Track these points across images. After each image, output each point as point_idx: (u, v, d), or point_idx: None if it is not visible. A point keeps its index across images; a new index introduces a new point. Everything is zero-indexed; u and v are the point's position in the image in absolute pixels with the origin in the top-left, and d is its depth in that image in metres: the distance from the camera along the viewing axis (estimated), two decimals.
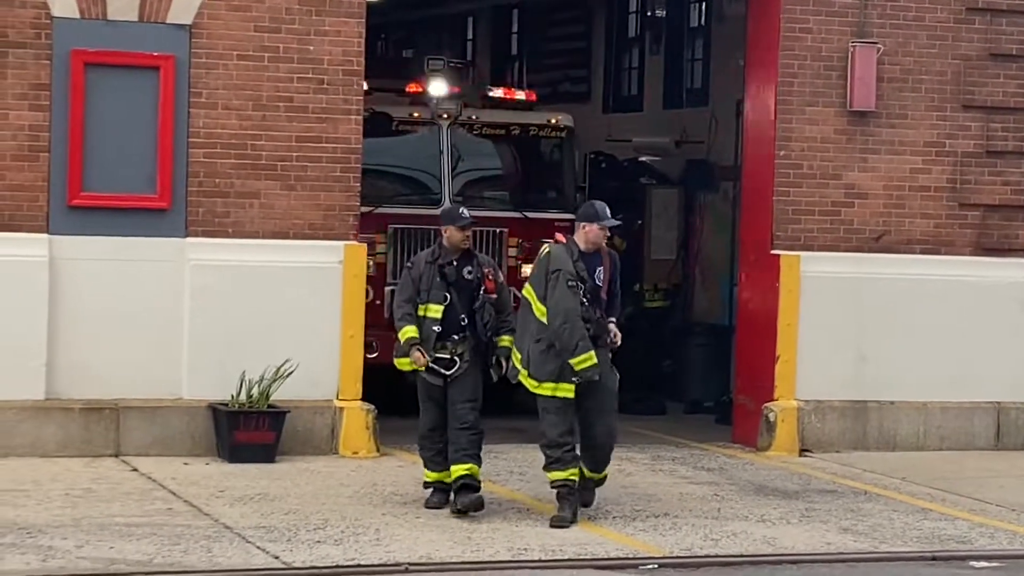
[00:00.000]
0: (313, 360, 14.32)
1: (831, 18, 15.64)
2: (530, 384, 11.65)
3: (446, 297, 12.04)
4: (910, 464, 14.92)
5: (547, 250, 11.87)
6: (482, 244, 16.23)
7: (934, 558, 11.19)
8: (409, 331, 11.98)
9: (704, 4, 20.56)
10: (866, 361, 15.57)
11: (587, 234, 11.76)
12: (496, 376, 12.22)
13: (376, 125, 16.05)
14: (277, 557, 10.41)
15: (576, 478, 11.64)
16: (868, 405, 15.61)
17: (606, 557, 10.78)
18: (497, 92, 18.15)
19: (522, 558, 10.66)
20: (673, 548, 11.15)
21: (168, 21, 14.08)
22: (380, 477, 13.37)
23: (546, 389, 11.58)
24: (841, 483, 13.92)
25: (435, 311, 12.02)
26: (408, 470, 13.60)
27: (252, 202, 14.34)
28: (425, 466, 12.31)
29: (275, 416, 13.99)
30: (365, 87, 15.63)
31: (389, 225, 16.65)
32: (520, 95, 18.20)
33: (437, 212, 14.82)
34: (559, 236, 12.76)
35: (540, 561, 10.60)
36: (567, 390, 11.58)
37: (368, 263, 15.13)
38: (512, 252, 17.15)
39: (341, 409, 14.46)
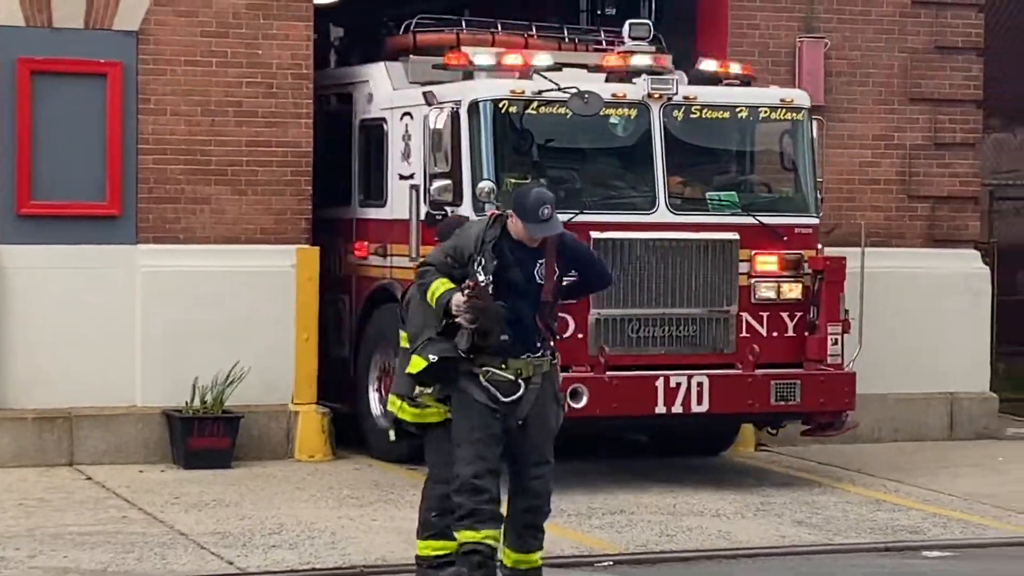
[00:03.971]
0: (268, 365, 14.34)
1: (778, 13, 15.81)
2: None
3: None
4: (866, 456, 15.04)
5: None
6: (706, 258, 13.41)
7: (887, 549, 11.27)
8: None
9: (653, 3, 20.60)
10: None
11: (513, 225, 9.23)
12: None
13: (580, 108, 13.14)
14: (232, 563, 10.42)
15: (495, 544, 9.10)
16: None
17: (561, 555, 10.78)
18: (711, 64, 14.40)
19: None
20: (628, 545, 11.20)
21: (114, 28, 14.09)
22: (336, 480, 13.40)
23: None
24: (797, 476, 14.04)
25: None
26: (364, 473, 13.68)
27: (203, 207, 14.36)
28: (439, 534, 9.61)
29: (229, 421, 14.03)
30: (552, 62, 13.70)
31: (591, 234, 12.97)
32: (736, 68, 14.47)
33: (650, 218, 13.28)
34: (490, 211, 10.52)
35: None
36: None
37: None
38: (743, 268, 13.55)
39: (296, 413, 14.51)
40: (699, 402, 13.11)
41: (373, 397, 14.45)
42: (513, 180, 12.82)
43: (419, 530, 9.59)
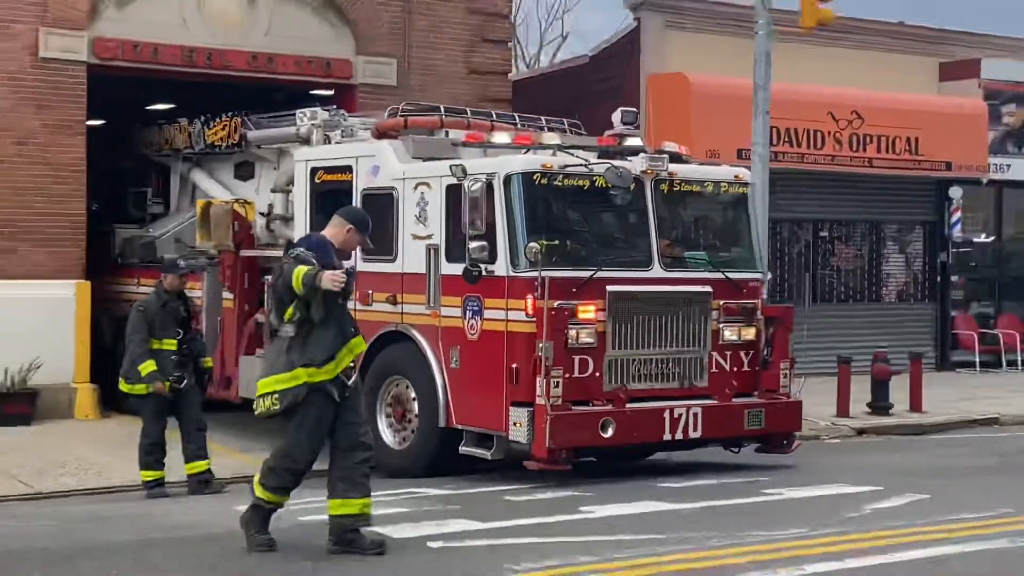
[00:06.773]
0: (57, 359, 17.65)
1: None
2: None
3: (179, 332, 13.83)
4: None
5: (295, 252, 10.35)
6: (689, 307, 14.70)
7: None
8: (149, 365, 13.50)
9: None
10: None
11: (350, 238, 10.50)
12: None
13: (615, 180, 14.26)
14: (31, 486, 13.57)
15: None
16: None
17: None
18: (673, 145, 15.65)
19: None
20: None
21: None
22: (103, 432, 16.91)
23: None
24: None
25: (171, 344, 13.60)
26: (124, 428, 16.54)
27: None
28: (151, 467, 13.32)
29: (30, 395, 17.73)
30: (558, 141, 14.81)
31: (607, 288, 14.23)
32: (684, 149, 15.76)
33: (648, 274, 14.24)
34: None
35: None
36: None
37: (594, 331, 13.99)
38: (713, 315, 14.87)
39: (76, 388, 18.10)
40: (694, 429, 14.30)
41: (383, 422, 15.24)
42: (544, 242, 13.65)
43: (143, 460, 13.49)
